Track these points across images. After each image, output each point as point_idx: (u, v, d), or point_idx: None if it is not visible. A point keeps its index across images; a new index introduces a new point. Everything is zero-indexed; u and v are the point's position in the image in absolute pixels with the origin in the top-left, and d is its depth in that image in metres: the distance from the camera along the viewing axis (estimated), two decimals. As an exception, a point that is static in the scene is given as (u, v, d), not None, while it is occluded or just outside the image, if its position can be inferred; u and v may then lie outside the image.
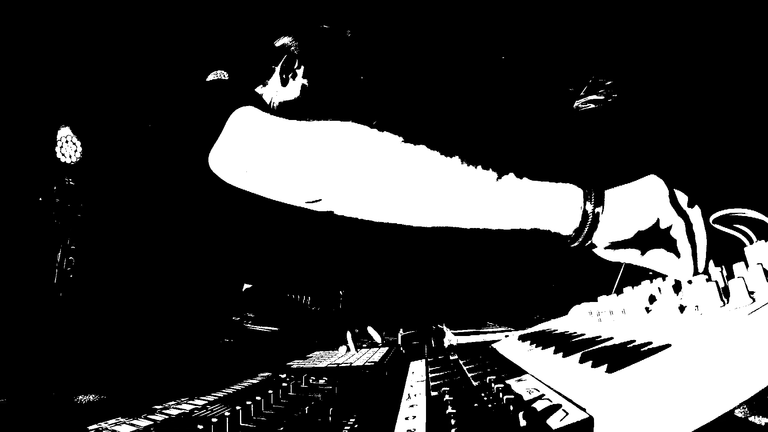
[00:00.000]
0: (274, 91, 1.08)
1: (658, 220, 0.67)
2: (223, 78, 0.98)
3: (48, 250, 0.93)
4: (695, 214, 0.69)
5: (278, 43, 1.09)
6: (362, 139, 0.73)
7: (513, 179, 0.70)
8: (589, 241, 0.69)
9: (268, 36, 1.10)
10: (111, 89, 1.05)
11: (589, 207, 0.67)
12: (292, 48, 1.08)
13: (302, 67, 1.08)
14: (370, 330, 1.35)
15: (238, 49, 1.09)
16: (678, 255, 0.68)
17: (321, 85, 1.11)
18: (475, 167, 0.71)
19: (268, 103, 1.08)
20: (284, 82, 1.07)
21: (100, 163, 1.02)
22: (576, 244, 0.69)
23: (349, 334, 1.22)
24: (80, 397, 0.70)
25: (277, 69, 1.07)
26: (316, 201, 0.75)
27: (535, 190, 0.69)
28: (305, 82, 1.08)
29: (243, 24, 1.13)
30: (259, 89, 1.08)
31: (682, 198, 0.69)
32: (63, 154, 0.93)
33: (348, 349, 1.19)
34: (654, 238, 0.69)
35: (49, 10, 0.99)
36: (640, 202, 0.67)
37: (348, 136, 0.74)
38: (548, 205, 0.68)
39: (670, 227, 0.68)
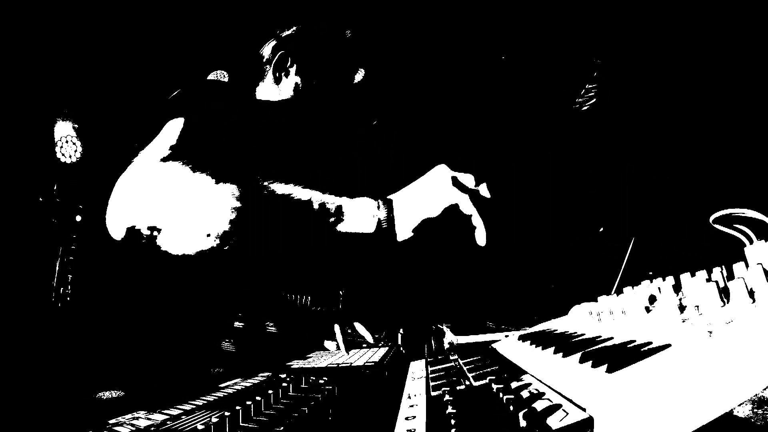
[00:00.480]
0: (268, 88, 1.08)
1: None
2: (222, 78, 0.98)
3: (48, 249, 0.93)
4: (482, 188, 0.82)
5: (272, 42, 1.09)
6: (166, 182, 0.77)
7: (319, 196, 0.81)
8: (395, 235, 0.81)
9: (266, 34, 1.09)
10: (111, 91, 1.05)
11: (382, 213, 0.80)
12: (286, 46, 1.08)
13: (294, 66, 1.08)
14: (359, 327, 1.33)
15: (235, 48, 1.09)
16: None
17: (314, 84, 1.10)
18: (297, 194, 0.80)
19: (262, 100, 1.08)
20: (277, 80, 1.07)
21: (101, 162, 1.01)
22: (386, 239, 0.82)
23: (337, 328, 1.21)
24: (77, 397, 0.70)
25: (271, 67, 1.07)
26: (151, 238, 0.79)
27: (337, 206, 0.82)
28: (298, 80, 1.08)
29: (240, 23, 1.13)
30: (258, 87, 1.08)
31: (467, 178, 0.81)
32: (63, 154, 0.93)
33: (337, 346, 1.18)
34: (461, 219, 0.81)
35: (55, 13, 0.99)
36: (423, 194, 0.80)
37: (159, 179, 0.78)
38: (351, 217, 0.81)
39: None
